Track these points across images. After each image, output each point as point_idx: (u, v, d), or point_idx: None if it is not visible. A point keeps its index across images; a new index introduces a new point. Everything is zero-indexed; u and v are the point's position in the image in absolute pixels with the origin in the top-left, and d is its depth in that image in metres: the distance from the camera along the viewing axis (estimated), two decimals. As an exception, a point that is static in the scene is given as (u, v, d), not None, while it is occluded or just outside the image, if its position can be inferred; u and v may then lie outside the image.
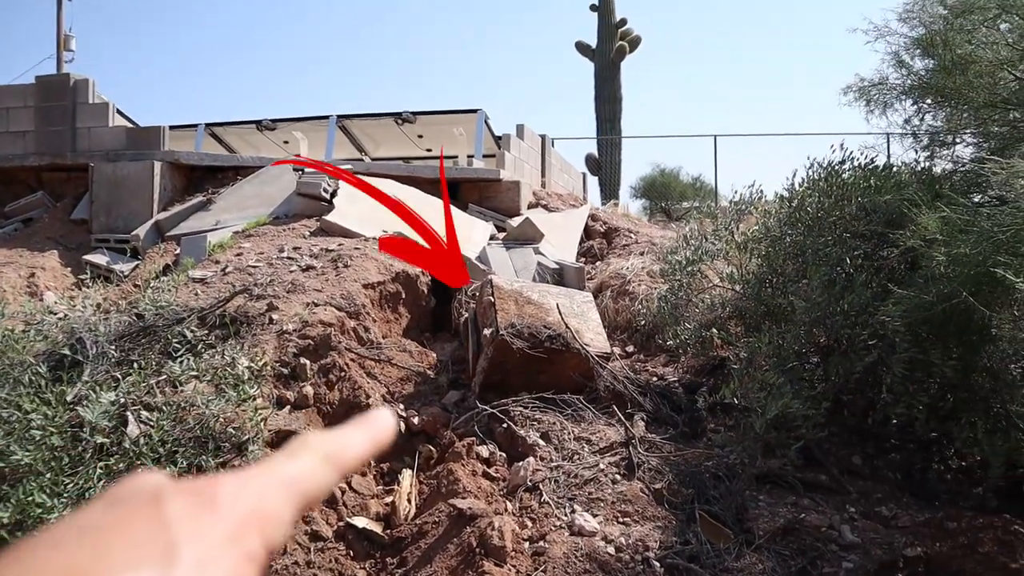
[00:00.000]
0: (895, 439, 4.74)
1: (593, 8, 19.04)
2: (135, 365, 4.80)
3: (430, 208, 8.92)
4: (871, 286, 4.49)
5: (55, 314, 5.98)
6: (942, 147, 5.43)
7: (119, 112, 10.91)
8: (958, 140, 5.38)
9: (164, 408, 4.37)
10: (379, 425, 0.53)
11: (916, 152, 5.54)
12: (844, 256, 4.83)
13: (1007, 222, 3.60)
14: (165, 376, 4.84)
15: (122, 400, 4.32)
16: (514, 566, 3.53)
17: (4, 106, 10.99)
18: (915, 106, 5.45)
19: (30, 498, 3.52)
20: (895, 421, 4.53)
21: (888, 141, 7.44)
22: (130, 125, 10.91)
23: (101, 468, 3.85)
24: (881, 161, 5.37)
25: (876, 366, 4.44)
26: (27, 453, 3.77)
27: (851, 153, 5.28)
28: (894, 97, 5.47)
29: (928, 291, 3.86)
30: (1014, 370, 4.16)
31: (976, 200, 4.71)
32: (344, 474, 0.49)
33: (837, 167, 5.27)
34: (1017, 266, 3.43)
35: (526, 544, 3.74)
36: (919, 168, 5.33)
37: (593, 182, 18.69)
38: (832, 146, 5.35)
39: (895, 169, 5.27)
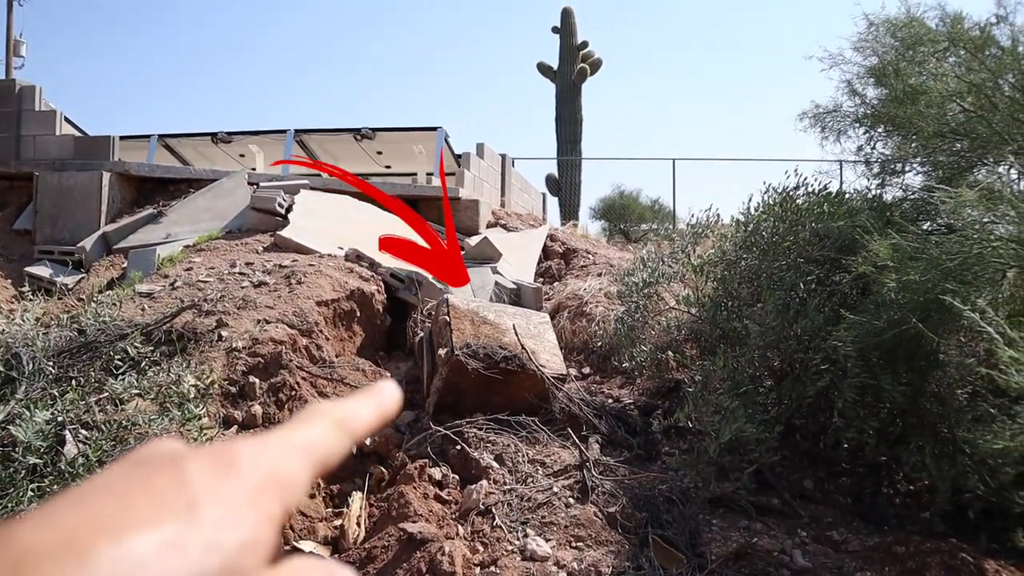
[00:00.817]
0: (846, 463, 4.78)
1: (555, 30, 19.20)
2: (74, 382, 4.66)
3: (385, 224, 8.87)
4: (824, 311, 4.53)
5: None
6: (893, 175, 5.53)
7: (68, 120, 10.70)
8: (908, 168, 5.49)
9: (104, 427, 4.24)
10: (386, 396, 0.53)
11: (868, 179, 5.63)
12: (798, 281, 4.88)
13: (955, 250, 3.66)
14: (107, 394, 4.70)
15: (59, 419, 4.18)
16: (464, 592, 3.47)
17: (-55, 111, 10.73)
18: (867, 134, 5.55)
19: (-43, 520, 3.38)
20: (846, 445, 4.56)
21: (841, 168, 7.58)
22: (78, 134, 10.70)
23: (33, 490, 3.72)
24: (834, 187, 5.45)
25: (828, 390, 4.47)
26: (-43, 474, 3.64)
27: (805, 179, 5.35)
28: (847, 124, 5.57)
29: (879, 317, 3.90)
30: (961, 396, 4.23)
31: (925, 228, 4.80)
32: (355, 440, 0.49)
33: (792, 192, 5.33)
34: (964, 293, 3.48)
35: (477, 569, 3.68)
36: (871, 195, 5.41)
37: (553, 203, 18.80)
38: (787, 172, 5.42)
39: (847, 196, 5.35)
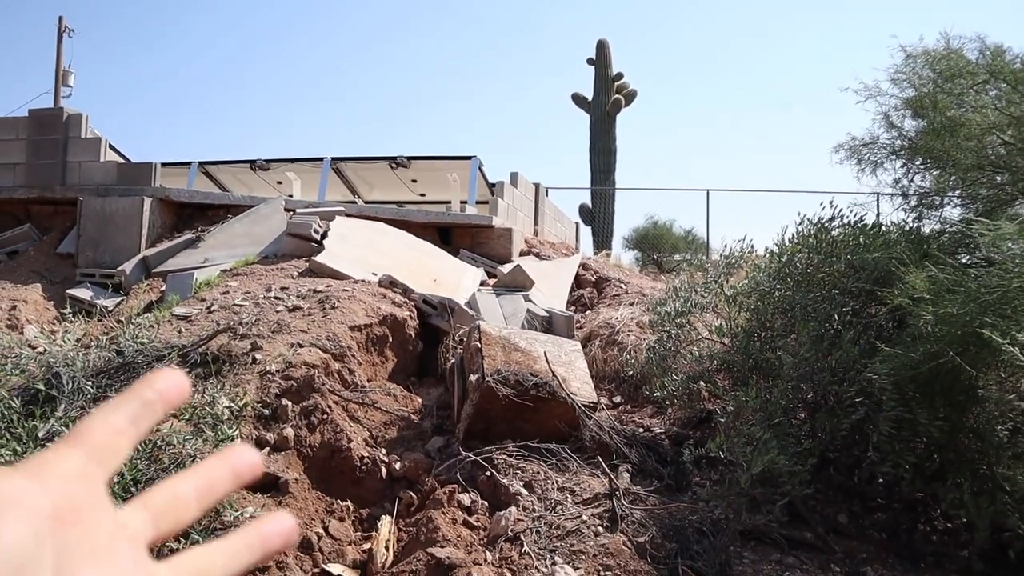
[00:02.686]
0: (881, 498, 4.70)
1: (590, 61, 19.32)
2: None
3: (420, 252, 8.94)
4: (859, 343, 4.48)
5: (34, 348, 5.92)
6: (930, 208, 5.48)
7: (112, 147, 10.96)
8: (946, 201, 5.44)
9: (139, 447, 4.30)
10: (241, 459, 0.51)
11: (905, 212, 5.59)
12: (832, 312, 4.83)
13: (994, 283, 3.62)
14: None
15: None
16: (492, 619, 3.45)
17: (-3, 138, 11.04)
18: (904, 167, 5.52)
19: (-2, 534, 3.43)
20: (881, 480, 4.49)
21: (878, 201, 7.51)
22: (122, 160, 10.94)
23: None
24: (870, 220, 5.41)
25: (863, 424, 4.41)
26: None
27: (841, 211, 5.32)
28: (884, 157, 5.54)
29: (915, 350, 3.85)
30: (1000, 432, 4.14)
31: (964, 261, 4.74)
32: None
33: (827, 224, 5.30)
34: (1004, 327, 3.43)
35: (505, 596, 3.66)
36: (907, 228, 5.36)
37: (586, 232, 18.81)
38: (822, 203, 5.39)
39: (884, 228, 5.30)
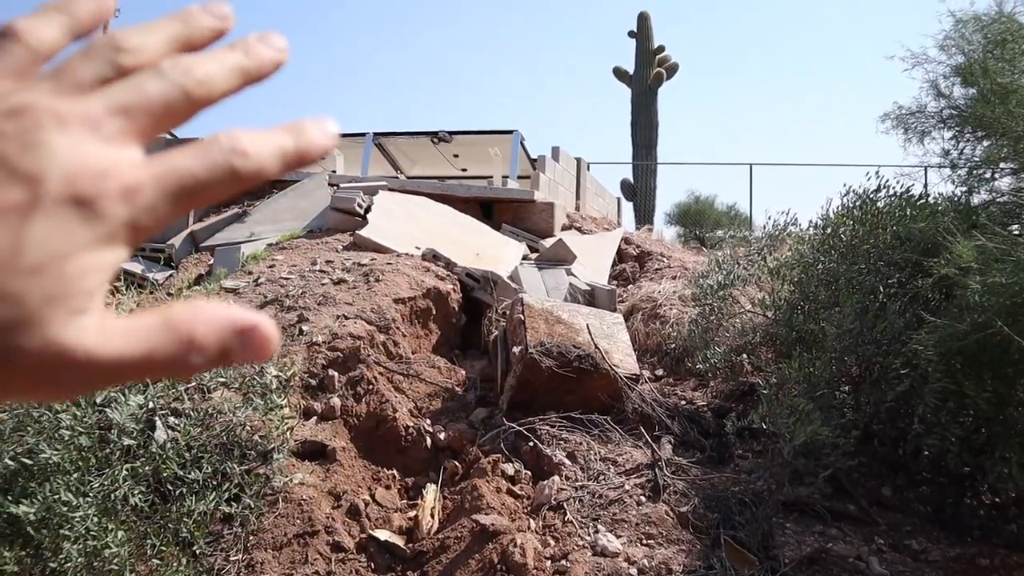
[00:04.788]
0: (927, 472, 4.66)
1: (631, 35, 19.12)
2: (165, 371, 4.86)
3: (462, 226, 9.00)
4: (904, 315, 4.44)
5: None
6: (980, 181, 5.37)
7: (160, 122, 11.16)
8: (996, 171, 5.32)
9: (192, 414, 4.43)
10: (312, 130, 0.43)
11: (953, 183, 5.48)
12: (877, 284, 4.79)
13: (1045, 253, 3.56)
14: (194, 383, 4.90)
15: (151, 405, 4.38)
16: (535, 583, 3.52)
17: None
18: (953, 136, 5.41)
19: (56, 496, 3.57)
20: (927, 453, 4.45)
21: (925, 172, 7.36)
22: (169, 136, 11.14)
23: (127, 470, 3.90)
24: (917, 191, 5.33)
25: (908, 396, 4.38)
26: (55, 452, 3.83)
27: (886, 182, 5.25)
28: (931, 126, 5.44)
29: (962, 321, 3.81)
30: (1051, 405, 4.09)
31: (1013, 231, 4.65)
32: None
33: (872, 195, 5.24)
34: (1054, 297, 3.38)
35: (548, 562, 3.73)
36: (955, 198, 5.27)
37: (628, 208, 18.71)
38: (868, 174, 5.33)
39: (931, 199, 5.23)
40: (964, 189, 5.35)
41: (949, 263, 3.87)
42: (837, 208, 5.33)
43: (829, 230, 5.31)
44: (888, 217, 5.08)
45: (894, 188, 5.22)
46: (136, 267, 8.80)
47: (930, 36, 5.35)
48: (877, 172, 5.27)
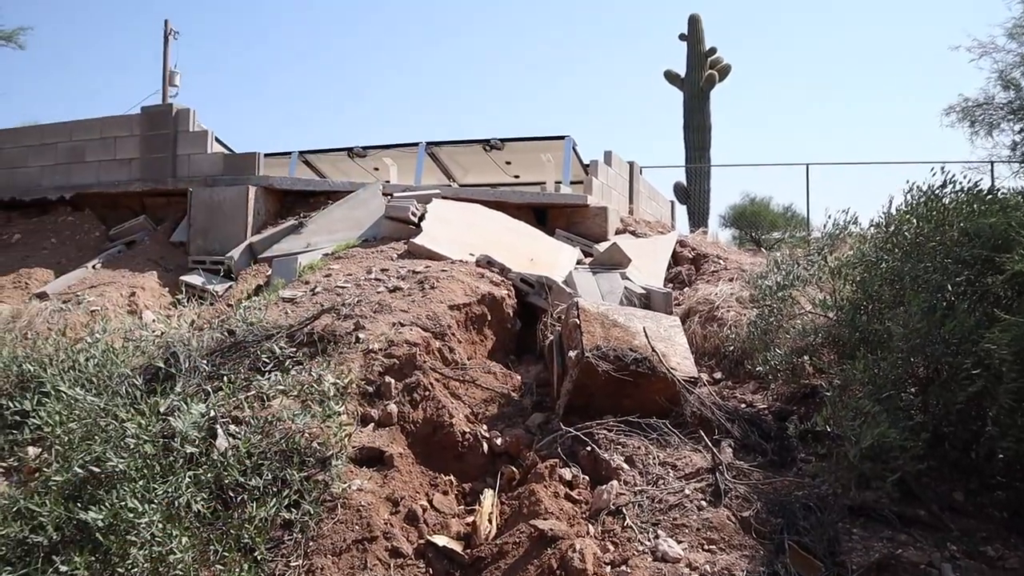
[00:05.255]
0: (1001, 475, 4.48)
1: (682, 37, 18.99)
2: (225, 379, 4.94)
3: (516, 232, 8.99)
4: (974, 313, 4.29)
5: (152, 331, 6.24)
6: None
7: (217, 140, 11.40)
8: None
9: (252, 422, 4.48)
10: None
11: (1024, 176, 5.29)
12: (945, 282, 4.63)
13: (1125, 246, 3.40)
14: (254, 391, 4.97)
15: (212, 413, 4.45)
16: (595, 589, 3.47)
17: (112, 135, 11.63)
18: (1023, 127, 5.23)
19: (123, 503, 3.64)
20: (1001, 456, 4.28)
21: (992, 168, 7.13)
22: (227, 152, 11.37)
23: (190, 477, 3.96)
24: (985, 186, 5.15)
25: (980, 397, 4.22)
26: (121, 460, 3.91)
27: (952, 176, 5.09)
28: (1000, 118, 5.28)
29: (1037, 318, 3.66)
30: None
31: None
32: None
33: (937, 191, 5.08)
34: None
35: (608, 568, 3.67)
36: (1027, 192, 5.08)
37: (681, 211, 18.55)
38: (933, 169, 5.17)
39: (1000, 193, 5.05)
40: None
41: (1023, 258, 3.73)
42: (900, 205, 5.19)
43: (892, 228, 5.16)
44: (955, 213, 4.92)
45: (960, 184, 5.06)
46: (197, 280, 8.99)
47: (998, 25, 5.18)
48: (943, 168, 5.12)
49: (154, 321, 7.60)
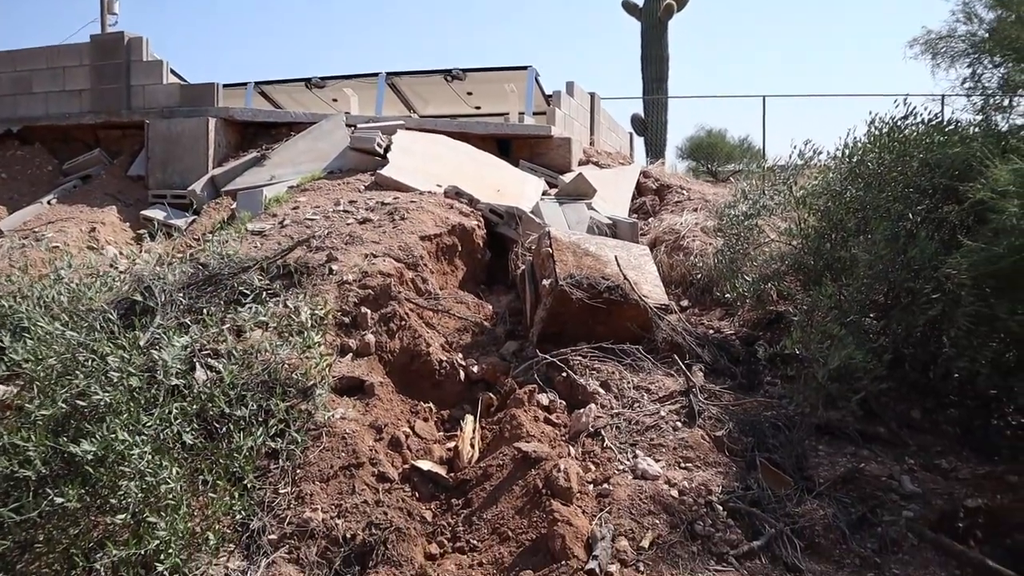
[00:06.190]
0: (955, 395, 4.74)
1: (641, -35, 18.71)
2: (205, 312, 4.94)
3: (481, 163, 8.98)
4: (934, 240, 4.47)
5: (118, 268, 6.17)
6: (1009, 108, 5.32)
7: (172, 71, 11.07)
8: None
9: (233, 354, 4.50)
10: None
11: (982, 110, 5.43)
12: (906, 211, 4.80)
13: (1083, 174, 3.56)
14: (230, 324, 4.98)
15: (196, 346, 4.47)
16: (580, 506, 3.63)
17: (60, 65, 11.20)
18: (981, 60, 5.34)
19: (112, 435, 3.66)
20: (956, 376, 4.52)
21: (942, 103, 7.28)
22: (183, 83, 11.06)
23: (176, 408, 3.98)
24: (946, 118, 5.30)
25: (939, 321, 4.44)
26: (107, 393, 3.92)
27: (914, 109, 5.23)
28: (961, 51, 5.37)
29: (997, 244, 3.83)
30: (1082, 327, 4.13)
31: (1046, 155, 4.63)
32: None
33: (899, 123, 5.22)
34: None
35: (591, 486, 3.83)
36: (985, 124, 5.23)
37: (639, 143, 18.55)
38: (895, 101, 5.30)
39: (959, 125, 5.20)
40: (991, 112, 5.31)
41: (985, 187, 3.88)
42: (862, 137, 5.32)
43: (856, 159, 5.30)
44: (916, 144, 5.07)
45: (922, 115, 5.20)
46: (158, 214, 8.83)
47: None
48: (905, 100, 5.25)
49: (120, 256, 7.52)
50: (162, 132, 9.98)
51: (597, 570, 3.17)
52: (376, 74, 13.83)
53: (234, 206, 8.22)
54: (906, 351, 4.66)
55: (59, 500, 3.50)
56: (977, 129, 5.09)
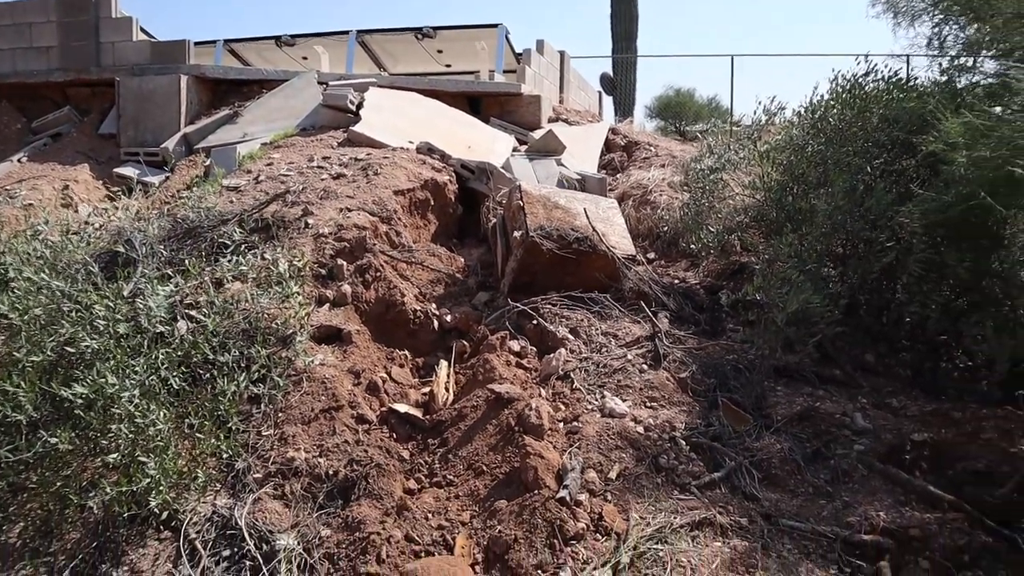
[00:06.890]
0: (907, 339, 4.98)
1: (611, -79, 18.62)
2: (187, 263, 5.03)
3: (452, 120, 9.06)
4: (891, 192, 4.67)
5: (94, 224, 6.22)
6: (965, 69, 5.50)
7: (141, 28, 10.95)
8: (982, 54, 5.46)
9: (215, 303, 4.62)
10: None
11: (940, 67, 5.62)
12: (865, 164, 4.99)
13: (1027, 127, 3.75)
14: (209, 275, 5.09)
15: (179, 296, 4.58)
16: (551, 442, 3.82)
17: (27, 21, 11.00)
18: (942, 19, 5.51)
19: (102, 379, 3.78)
20: (908, 321, 4.75)
21: (908, 62, 7.47)
22: (153, 40, 10.95)
23: (163, 354, 4.11)
24: (904, 75, 5.48)
25: (892, 269, 4.66)
26: (95, 340, 4.04)
27: (875, 66, 5.40)
28: (921, 10, 5.54)
29: (947, 193, 4.04)
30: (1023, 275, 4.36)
31: (997, 111, 4.83)
32: None
33: (861, 79, 5.40)
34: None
35: (561, 424, 4.03)
36: (942, 80, 5.43)
37: (608, 102, 18.62)
38: (857, 59, 5.47)
39: (918, 81, 5.39)
40: (950, 70, 5.50)
41: (937, 140, 4.07)
42: (825, 94, 5.50)
43: (818, 114, 5.48)
44: (876, 100, 5.25)
45: (882, 73, 5.38)
46: (131, 171, 8.82)
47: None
48: (866, 57, 5.42)
49: (93, 213, 7.54)
50: (133, 89, 9.90)
51: (568, 498, 3.36)
52: (347, 32, 13.75)
53: (208, 163, 8.23)
54: (861, 297, 4.88)
55: (53, 441, 3.62)
56: (934, 86, 5.28)
